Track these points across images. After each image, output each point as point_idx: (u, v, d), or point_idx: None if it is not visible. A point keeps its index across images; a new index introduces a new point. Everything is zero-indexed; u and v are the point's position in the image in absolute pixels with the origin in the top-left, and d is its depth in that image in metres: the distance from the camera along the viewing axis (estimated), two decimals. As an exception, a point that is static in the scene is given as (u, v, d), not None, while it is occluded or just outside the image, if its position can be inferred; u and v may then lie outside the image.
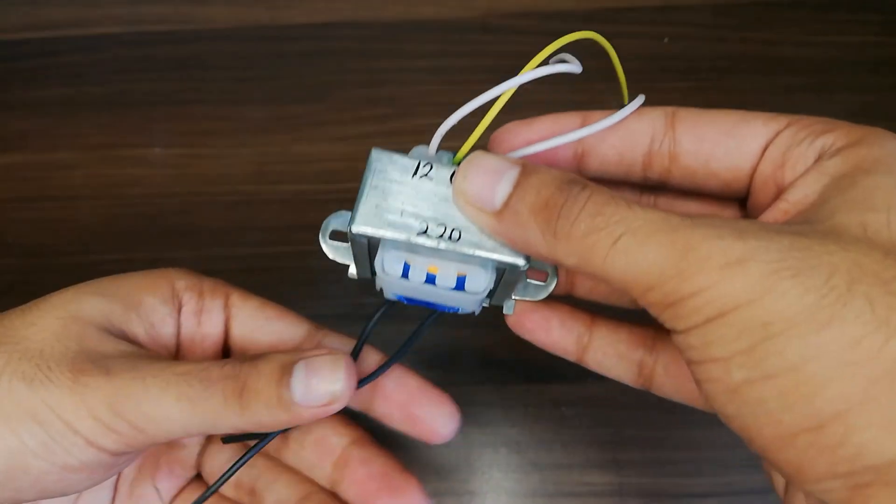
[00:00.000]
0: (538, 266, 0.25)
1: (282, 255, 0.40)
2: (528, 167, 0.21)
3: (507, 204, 0.20)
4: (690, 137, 0.22)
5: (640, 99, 0.22)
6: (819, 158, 0.20)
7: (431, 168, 0.22)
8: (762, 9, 0.46)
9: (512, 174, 0.20)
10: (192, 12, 0.47)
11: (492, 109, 0.21)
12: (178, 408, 0.21)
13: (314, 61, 0.45)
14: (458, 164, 0.22)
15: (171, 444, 0.29)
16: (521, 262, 0.21)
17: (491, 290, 0.23)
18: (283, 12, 0.47)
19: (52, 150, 0.44)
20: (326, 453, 0.28)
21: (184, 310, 0.27)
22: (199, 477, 0.30)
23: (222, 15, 0.47)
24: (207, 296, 0.27)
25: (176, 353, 0.27)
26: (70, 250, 0.41)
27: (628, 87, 0.24)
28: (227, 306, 0.27)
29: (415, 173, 0.22)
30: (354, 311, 0.39)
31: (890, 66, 0.45)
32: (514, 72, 0.21)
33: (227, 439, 0.29)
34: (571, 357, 0.26)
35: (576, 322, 0.25)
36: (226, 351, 0.28)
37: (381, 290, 0.24)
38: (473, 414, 0.37)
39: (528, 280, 0.25)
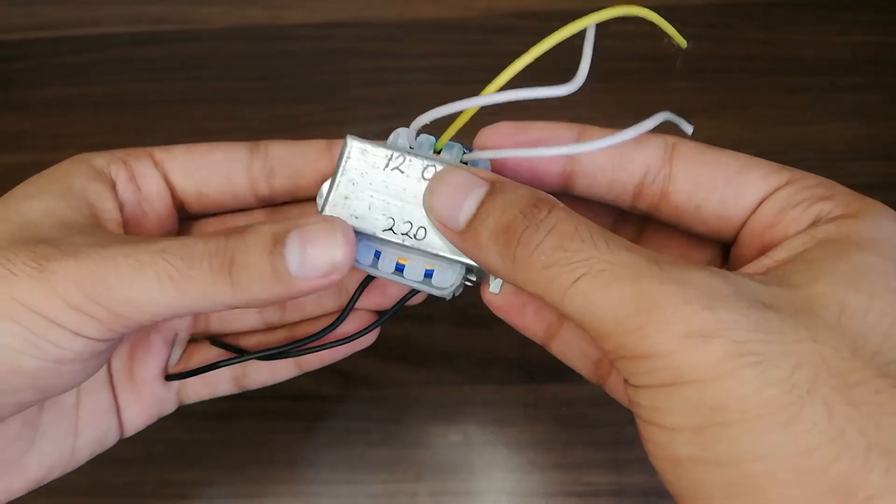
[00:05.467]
0: None
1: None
2: (497, 185, 0.20)
3: (469, 224, 0.20)
4: (686, 178, 0.21)
5: (645, 125, 0.21)
6: (813, 224, 0.19)
7: (405, 160, 0.22)
8: (762, 9, 0.46)
9: (479, 192, 0.20)
10: (192, 12, 0.47)
11: (473, 107, 0.20)
12: (158, 288, 0.20)
13: (314, 61, 0.45)
14: (438, 152, 0.22)
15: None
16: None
17: (465, 276, 0.23)
18: (283, 12, 0.47)
19: (52, 150, 0.44)
20: None
21: (118, 183, 0.25)
22: (195, 340, 0.30)
23: (222, 15, 0.47)
24: (132, 161, 0.26)
25: (129, 229, 0.26)
26: (70, 250, 0.41)
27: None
28: (156, 164, 0.26)
29: (386, 166, 0.22)
30: (354, 311, 0.39)
31: (891, 66, 0.45)
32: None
33: (170, 377, 0.28)
34: (538, 341, 0.26)
35: (549, 311, 0.25)
36: (179, 209, 0.27)
37: None
38: (473, 414, 0.37)
39: None
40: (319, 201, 0.23)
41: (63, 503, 0.35)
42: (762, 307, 0.16)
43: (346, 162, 0.22)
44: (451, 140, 0.22)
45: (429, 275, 0.22)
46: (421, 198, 0.21)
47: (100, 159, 0.25)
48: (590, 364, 0.25)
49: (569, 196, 0.23)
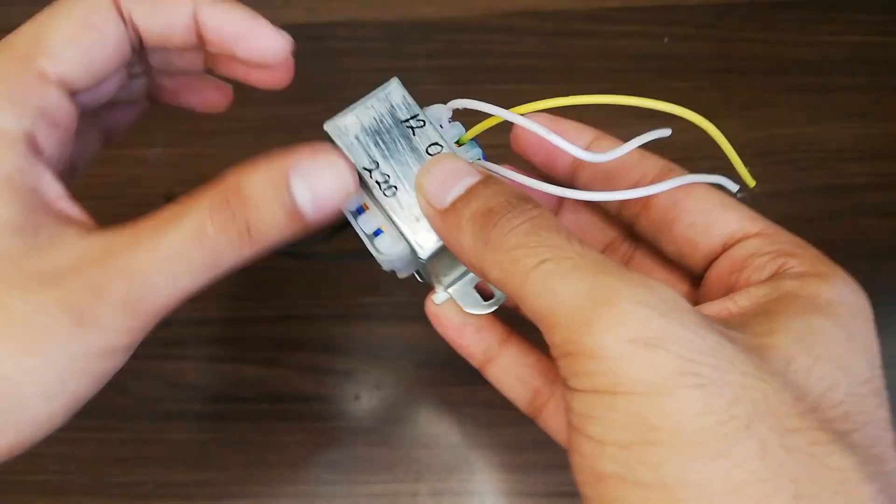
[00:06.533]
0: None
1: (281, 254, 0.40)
2: (490, 178, 0.20)
3: (453, 204, 0.20)
4: (668, 196, 0.22)
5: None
6: (776, 274, 0.20)
7: (424, 126, 0.22)
8: (762, 9, 0.46)
9: (470, 180, 0.20)
10: (192, 12, 0.47)
11: (505, 118, 0.21)
12: (194, 280, 0.20)
13: (314, 61, 0.45)
14: (461, 145, 0.23)
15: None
16: (422, 253, 0.22)
17: (419, 269, 0.23)
18: (283, 12, 0.47)
19: (52, 150, 0.44)
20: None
21: (39, 136, 0.21)
22: None
23: (222, 15, 0.47)
24: (34, 98, 0.21)
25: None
26: (70, 250, 0.41)
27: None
28: (50, 80, 0.22)
29: (406, 120, 0.22)
30: (353, 311, 0.39)
31: (890, 66, 0.45)
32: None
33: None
34: (475, 363, 0.25)
35: (490, 333, 0.25)
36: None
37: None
38: (473, 414, 0.37)
39: (474, 289, 0.25)
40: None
41: (63, 503, 0.35)
42: (719, 334, 0.16)
43: (376, 98, 0.22)
44: (475, 140, 0.23)
45: (377, 233, 0.22)
46: (411, 163, 0.22)
47: (2, 118, 0.20)
48: (527, 392, 0.25)
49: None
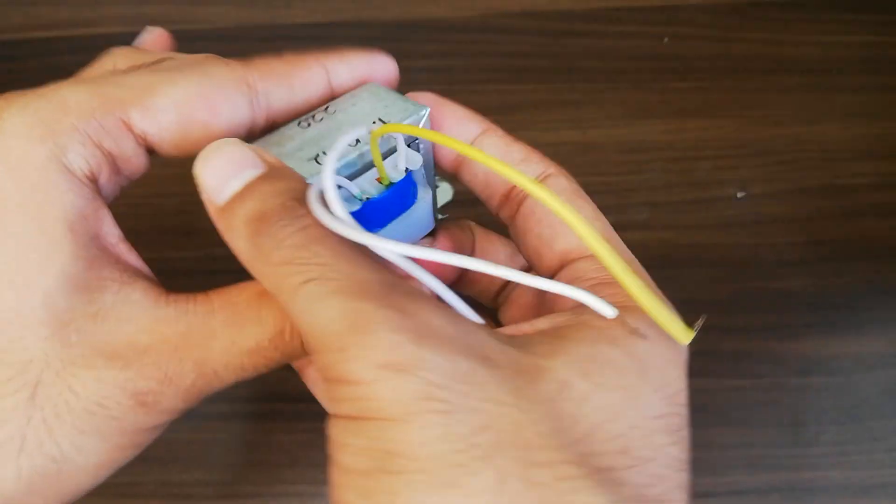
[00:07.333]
0: None
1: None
2: (274, 171, 0.19)
3: (230, 202, 0.18)
4: (534, 204, 0.22)
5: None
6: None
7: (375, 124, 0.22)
8: (762, 9, 0.46)
9: (251, 173, 0.18)
10: (193, 12, 0.47)
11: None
12: (250, 373, 0.20)
13: (314, 61, 0.45)
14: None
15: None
16: None
17: None
18: (283, 12, 0.47)
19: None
20: None
21: (102, 175, 0.20)
22: None
23: (222, 15, 0.47)
24: (106, 140, 0.20)
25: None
26: (70, 250, 0.41)
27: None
28: (132, 131, 0.21)
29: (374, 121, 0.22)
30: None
31: (890, 66, 0.45)
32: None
33: None
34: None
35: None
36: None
37: None
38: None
39: None
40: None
41: (63, 503, 0.35)
42: (478, 359, 0.15)
43: (366, 92, 0.23)
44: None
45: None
46: (338, 123, 0.22)
47: (72, 154, 0.19)
48: None
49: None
